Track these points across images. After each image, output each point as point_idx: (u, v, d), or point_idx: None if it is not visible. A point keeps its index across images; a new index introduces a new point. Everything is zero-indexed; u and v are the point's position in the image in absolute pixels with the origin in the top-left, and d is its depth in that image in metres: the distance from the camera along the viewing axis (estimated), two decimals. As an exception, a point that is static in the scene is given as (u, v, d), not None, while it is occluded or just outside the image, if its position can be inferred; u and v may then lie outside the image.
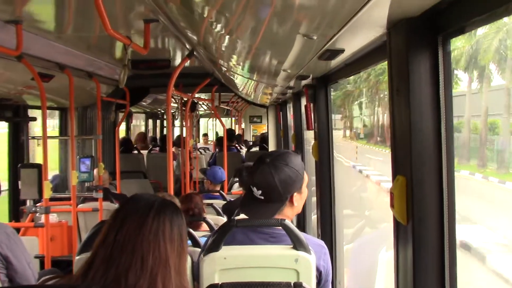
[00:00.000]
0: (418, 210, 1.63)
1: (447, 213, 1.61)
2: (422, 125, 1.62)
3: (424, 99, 1.62)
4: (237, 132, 14.05)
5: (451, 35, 1.57)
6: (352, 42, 2.09)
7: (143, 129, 13.92)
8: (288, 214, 2.28)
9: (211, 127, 17.10)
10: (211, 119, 15.43)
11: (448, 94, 1.61)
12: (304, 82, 3.70)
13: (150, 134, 13.88)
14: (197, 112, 12.35)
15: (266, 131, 16.60)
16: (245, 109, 13.46)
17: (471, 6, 1.39)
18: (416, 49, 1.62)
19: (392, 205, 1.72)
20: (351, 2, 1.49)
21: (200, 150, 10.38)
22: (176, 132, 12.12)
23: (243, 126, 17.46)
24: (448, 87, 1.61)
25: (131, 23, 3.06)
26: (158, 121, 14.59)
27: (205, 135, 16.27)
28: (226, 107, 12.89)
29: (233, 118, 15.99)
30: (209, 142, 15.40)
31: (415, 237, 1.63)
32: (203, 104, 11.64)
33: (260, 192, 2.19)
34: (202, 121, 17.48)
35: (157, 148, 10.15)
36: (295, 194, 2.24)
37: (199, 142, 14.08)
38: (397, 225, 1.77)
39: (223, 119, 15.86)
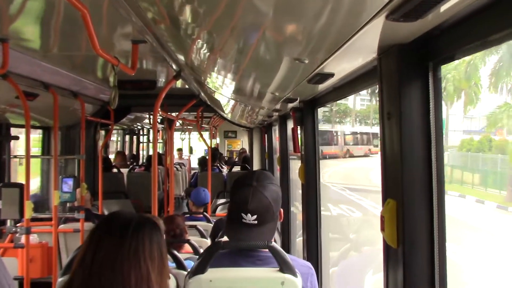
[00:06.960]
0: (408, 234, 1.64)
1: (438, 237, 1.63)
2: (413, 149, 1.65)
3: (415, 123, 1.65)
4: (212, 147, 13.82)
5: (442, 62, 1.60)
6: (343, 66, 2.12)
7: (116, 145, 13.79)
8: (276, 229, 2.27)
9: (182, 141, 16.82)
10: (184, 133, 15.22)
11: (438, 118, 1.64)
12: (291, 105, 3.73)
13: (127, 150, 13.80)
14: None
15: (241, 146, 16.52)
16: (221, 124, 13.44)
17: (462, 34, 1.42)
18: (407, 75, 1.64)
19: (382, 228, 1.72)
20: (344, 28, 1.51)
21: (176, 166, 10.23)
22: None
23: (218, 141, 17.33)
24: (438, 111, 1.64)
25: (118, 44, 3.04)
26: (134, 137, 14.50)
27: (180, 150, 15.75)
28: (206, 126, 12.92)
29: (208, 133, 15.77)
30: (183, 157, 15.13)
31: (405, 261, 1.64)
32: (181, 122, 11.59)
33: (254, 217, 2.11)
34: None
35: (138, 167, 10.08)
36: (280, 208, 2.24)
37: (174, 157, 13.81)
38: (387, 248, 1.77)
39: (196, 134, 15.45)
